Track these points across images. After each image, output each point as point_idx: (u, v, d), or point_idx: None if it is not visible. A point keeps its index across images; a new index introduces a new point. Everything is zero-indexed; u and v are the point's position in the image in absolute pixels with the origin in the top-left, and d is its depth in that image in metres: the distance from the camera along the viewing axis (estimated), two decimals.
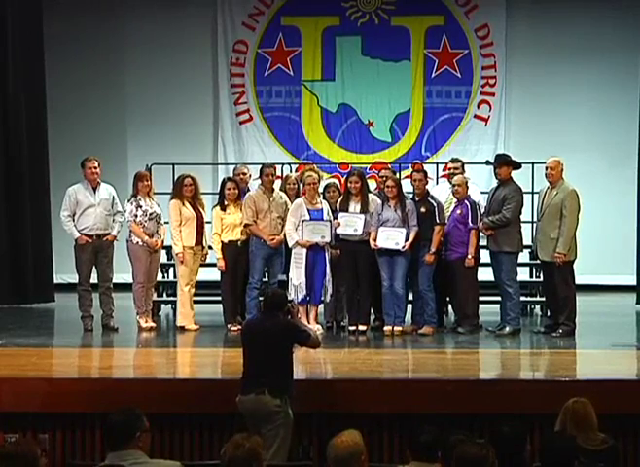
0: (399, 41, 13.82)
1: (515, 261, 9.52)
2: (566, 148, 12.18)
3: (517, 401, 6.79)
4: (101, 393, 6.88)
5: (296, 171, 11.72)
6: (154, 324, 9.78)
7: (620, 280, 12.99)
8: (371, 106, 13.96)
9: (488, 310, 10.07)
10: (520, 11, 13.76)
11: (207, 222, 9.87)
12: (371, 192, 9.90)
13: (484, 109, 13.82)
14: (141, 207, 9.65)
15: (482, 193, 10.49)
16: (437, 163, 12.46)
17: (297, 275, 9.33)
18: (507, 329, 9.36)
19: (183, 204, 9.68)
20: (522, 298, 10.19)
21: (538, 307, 11.39)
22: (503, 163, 9.53)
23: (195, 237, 9.66)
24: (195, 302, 9.92)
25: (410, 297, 9.69)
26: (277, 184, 10.18)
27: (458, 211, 9.49)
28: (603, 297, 12.67)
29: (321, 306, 9.65)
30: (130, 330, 9.66)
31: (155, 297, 10.32)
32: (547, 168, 9.34)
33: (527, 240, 10.12)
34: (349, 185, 9.52)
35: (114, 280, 9.88)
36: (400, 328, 9.33)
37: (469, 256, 9.34)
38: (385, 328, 9.35)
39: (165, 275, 11.32)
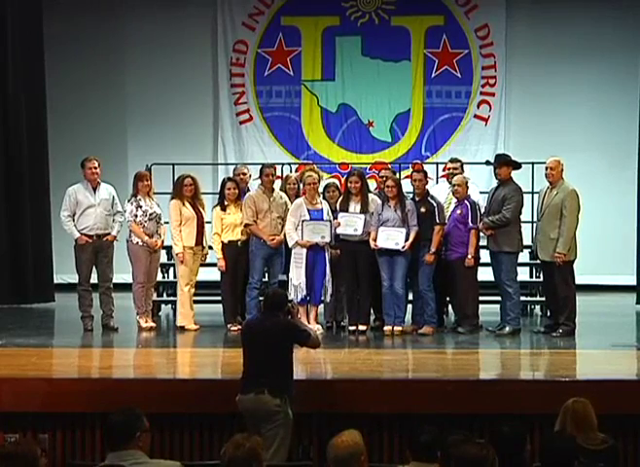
0: (399, 41, 13.82)
1: (515, 261, 9.52)
2: (566, 148, 12.19)
3: (517, 401, 6.79)
4: (101, 393, 6.88)
5: (296, 171, 11.72)
6: (154, 324, 9.78)
7: (620, 280, 12.99)
8: (371, 106, 13.96)
9: (488, 310, 10.06)
10: (520, 11, 13.76)
11: (207, 222, 9.87)
12: (371, 192, 9.90)
13: (484, 109, 13.82)
14: (141, 207, 9.65)
15: (482, 193, 10.50)
16: (437, 163, 12.45)
17: (297, 275, 9.33)
18: (507, 329, 9.36)
19: (183, 204, 9.68)
20: (522, 298, 10.19)
21: (538, 307, 11.40)
22: (503, 163, 9.53)
23: (195, 237, 9.66)
24: (195, 302, 9.92)
25: (410, 297, 9.69)
26: (277, 184, 10.18)
27: (458, 211, 9.49)
28: (603, 297, 12.67)
29: (321, 306, 9.65)
30: (130, 330, 9.66)
31: (155, 297, 10.33)
32: (547, 168, 9.35)
33: (527, 240, 10.12)
34: (349, 185, 9.52)
35: (114, 280, 9.88)
36: (400, 328, 9.33)
37: (469, 256, 9.34)
38: (385, 328, 9.35)
39: (165, 275, 11.32)
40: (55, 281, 12.53)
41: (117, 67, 13.95)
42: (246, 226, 9.57)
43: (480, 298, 9.67)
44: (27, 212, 12.13)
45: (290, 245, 9.43)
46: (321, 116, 14.02)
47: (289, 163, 12.77)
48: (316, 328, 9.08)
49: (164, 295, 11.33)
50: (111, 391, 6.90)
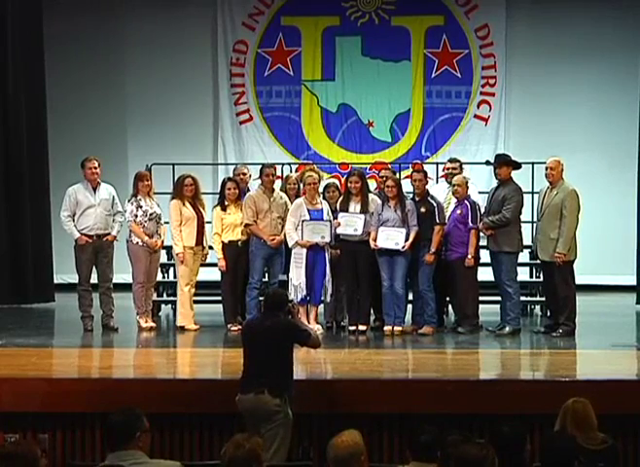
0: (399, 41, 13.81)
1: (515, 261, 9.52)
2: (566, 148, 12.20)
3: (517, 401, 6.79)
4: (101, 393, 6.88)
5: (296, 171, 11.72)
6: (154, 324, 9.78)
7: (620, 280, 12.99)
8: (371, 106, 13.96)
9: (488, 310, 10.06)
10: (520, 11, 13.75)
11: (207, 222, 9.87)
12: (371, 192, 9.90)
13: (484, 109, 13.82)
14: (141, 207, 9.65)
15: (482, 193, 10.50)
16: (437, 163, 12.44)
17: (297, 275, 9.33)
18: (507, 329, 9.36)
19: (183, 204, 9.68)
20: (522, 298, 10.19)
21: (538, 307, 11.39)
22: (503, 163, 9.53)
23: (195, 237, 9.66)
24: (196, 302, 9.92)
25: (410, 297, 9.69)
26: (277, 184, 10.18)
27: (458, 211, 9.49)
28: (603, 297, 12.67)
29: (321, 306, 9.65)
30: (130, 330, 9.67)
31: (155, 297, 10.33)
32: (547, 168, 9.35)
33: (527, 240, 10.12)
34: (349, 185, 9.52)
35: (114, 280, 9.88)
36: (400, 328, 9.33)
37: (469, 256, 9.34)
38: (385, 328, 9.36)
39: (165, 275, 11.32)
40: (55, 281, 12.52)
41: (117, 67, 13.94)
42: (246, 226, 9.57)
43: (480, 298, 9.67)
44: (27, 212, 12.13)
45: (290, 245, 9.43)
46: (321, 116, 14.01)
47: (289, 163, 12.77)
48: (316, 328, 9.08)
49: (164, 295, 11.33)
50: (111, 391, 6.90)
